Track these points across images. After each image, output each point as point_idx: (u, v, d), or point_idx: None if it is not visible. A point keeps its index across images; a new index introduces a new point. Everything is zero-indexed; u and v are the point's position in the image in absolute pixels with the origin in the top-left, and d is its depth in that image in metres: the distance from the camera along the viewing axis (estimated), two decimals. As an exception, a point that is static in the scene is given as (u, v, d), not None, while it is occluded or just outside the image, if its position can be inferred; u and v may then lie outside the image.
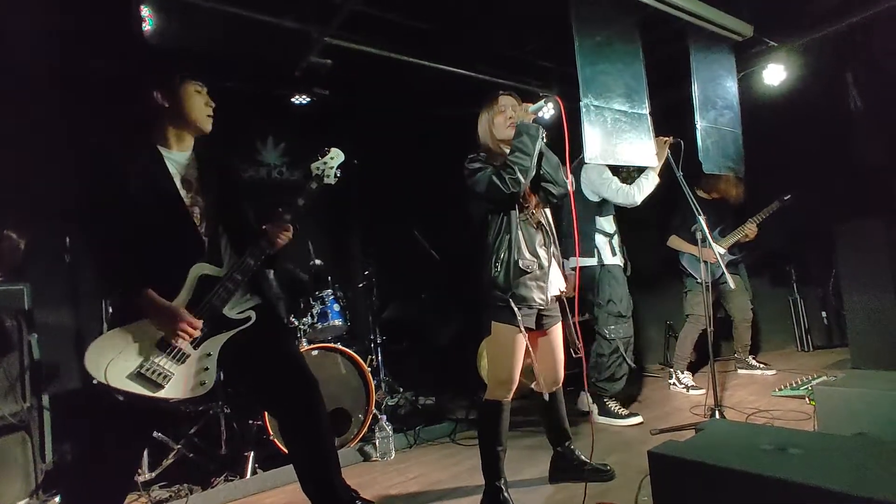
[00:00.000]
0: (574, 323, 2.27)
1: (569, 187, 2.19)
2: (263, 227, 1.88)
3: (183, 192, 1.84)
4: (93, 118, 3.17)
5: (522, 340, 2.08)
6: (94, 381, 1.61)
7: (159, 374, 1.67)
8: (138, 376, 1.65)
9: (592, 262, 3.21)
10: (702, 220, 2.91)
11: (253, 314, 1.89)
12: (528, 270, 2.11)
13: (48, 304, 3.01)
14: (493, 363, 2.16)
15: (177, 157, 1.89)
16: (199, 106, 1.87)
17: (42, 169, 3.10)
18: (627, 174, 3.40)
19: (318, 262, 3.37)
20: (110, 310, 2.85)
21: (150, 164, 1.81)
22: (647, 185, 3.07)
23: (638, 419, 3.07)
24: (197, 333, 1.73)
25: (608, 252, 3.20)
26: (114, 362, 1.63)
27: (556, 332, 2.28)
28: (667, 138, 2.96)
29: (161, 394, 1.67)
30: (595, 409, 3.16)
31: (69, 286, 3.15)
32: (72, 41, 3.14)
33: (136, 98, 1.93)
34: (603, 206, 3.26)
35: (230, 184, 2.01)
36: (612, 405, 3.17)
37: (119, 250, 1.71)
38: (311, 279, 3.43)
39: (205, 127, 1.90)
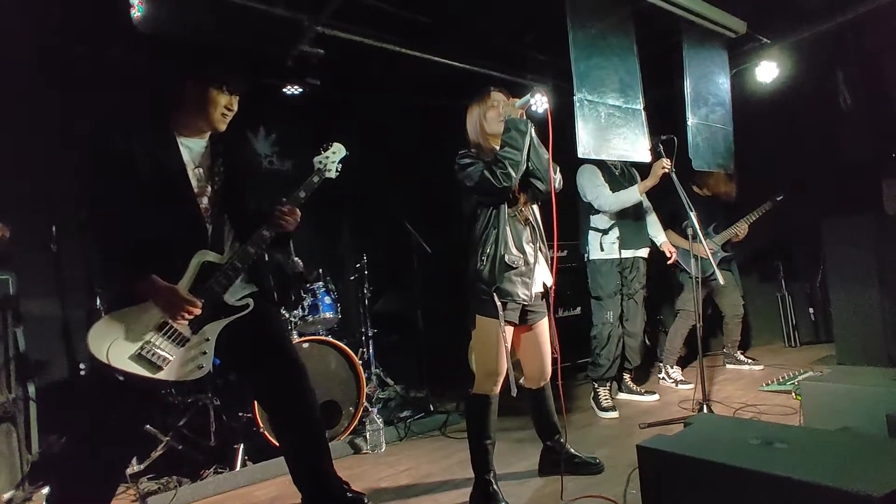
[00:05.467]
0: (551, 319, 2.28)
1: (553, 185, 2.19)
2: (273, 211, 1.91)
3: (194, 180, 1.86)
4: (85, 105, 3.13)
5: (507, 334, 2.09)
6: (82, 372, 1.61)
7: (159, 357, 1.71)
8: (139, 357, 1.69)
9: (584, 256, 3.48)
10: (692, 215, 2.93)
11: (251, 301, 1.92)
12: (514, 266, 2.12)
13: (34, 294, 2.97)
14: (478, 356, 2.18)
15: (192, 143, 1.90)
16: (219, 108, 1.87)
17: (28, 157, 3.05)
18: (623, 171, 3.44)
19: (297, 261, 3.33)
20: (99, 299, 2.83)
21: (163, 149, 1.82)
22: (624, 198, 3.25)
23: (614, 414, 3.20)
24: (197, 312, 1.76)
25: (597, 247, 3.37)
26: (116, 343, 1.67)
27: (542, 327, 2.29)
28: (666, 167, 3.03)
29: (160, 375, 1.72)
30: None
31: (55, 276, 3.11)
32: (60, 26, 3.08)
33: (146, 84, 1.93)
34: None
35: (241, 173, 2.03)
36: (602, 392, 3.30)
37: (124, 235, 1.73)
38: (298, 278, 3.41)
39: (218, 127, 1.91)
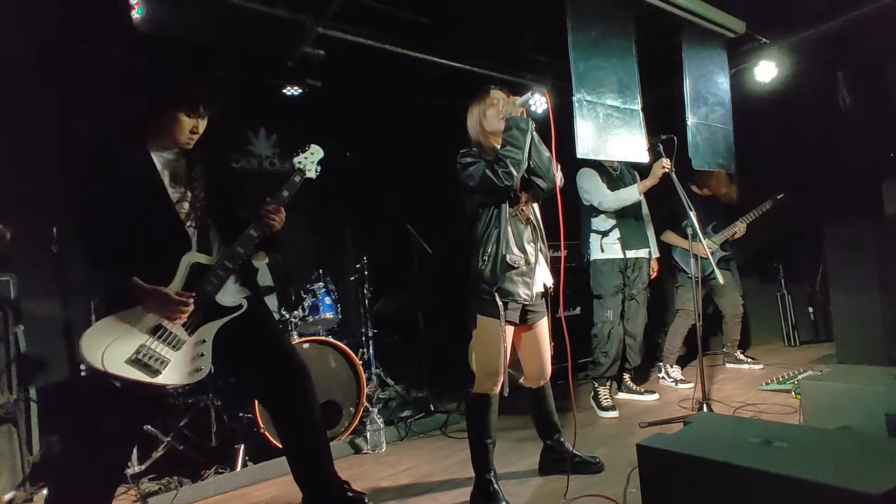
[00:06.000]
0: (561, 317, 2.28)
1: (557, 182, 2.19)
2: (259, 211, 1.91)
3: (170, 188, 1.85)
4: (81, 107, 3.13)
5: (507, 333, 2.09)
6: (83, 372, 1.60)
7: (157, 360, 1.69)
8: (136, 362, 1.66)
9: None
10: (692, 215, 2.94)
11: (245, 302, 1.92)
12: (515, 265, 2.12)
13: (35, 295, 2.97)
14: (479, 356, 2.18)
15: (164, 152, 1.89)
16: (184, 131, 1.85)
17: (28, 157, 3.05)
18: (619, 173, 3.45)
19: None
20: (95, 302, 2.83)
21: (136, 159, 1.82)
22: (624, 196, 3.29)
23: (614, 413, 3.20)
24: (188, 310, 1.75)
25: (598, 248, 3.41)
26: (110, 348, 1.63)
27: (542, 327, 2.29)
28: (666, 167, 3.05)
29: (159, 380, 1.69)
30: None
31: (56, 277, 3.11)
32: (60, 26, 3.08)
33: (126, 94, 1.93)
34: (596, 207, 3.42)
35: (220, 175, 2.03)
36: (602, 392, 3.31)
37: (108, 241, 1.71)
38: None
39: (184, 147, 1.89)
